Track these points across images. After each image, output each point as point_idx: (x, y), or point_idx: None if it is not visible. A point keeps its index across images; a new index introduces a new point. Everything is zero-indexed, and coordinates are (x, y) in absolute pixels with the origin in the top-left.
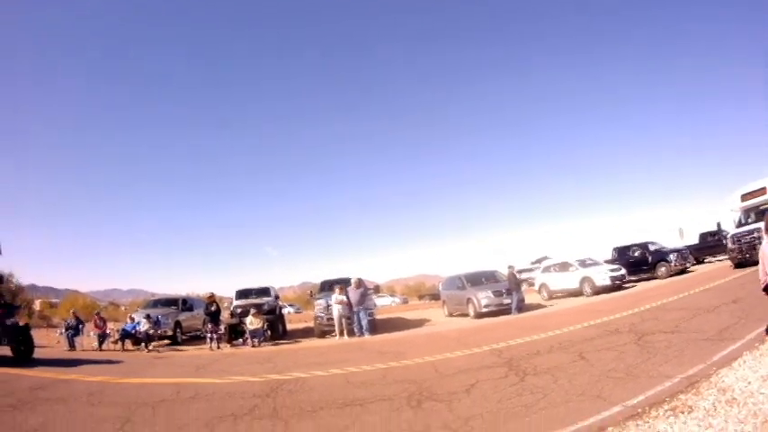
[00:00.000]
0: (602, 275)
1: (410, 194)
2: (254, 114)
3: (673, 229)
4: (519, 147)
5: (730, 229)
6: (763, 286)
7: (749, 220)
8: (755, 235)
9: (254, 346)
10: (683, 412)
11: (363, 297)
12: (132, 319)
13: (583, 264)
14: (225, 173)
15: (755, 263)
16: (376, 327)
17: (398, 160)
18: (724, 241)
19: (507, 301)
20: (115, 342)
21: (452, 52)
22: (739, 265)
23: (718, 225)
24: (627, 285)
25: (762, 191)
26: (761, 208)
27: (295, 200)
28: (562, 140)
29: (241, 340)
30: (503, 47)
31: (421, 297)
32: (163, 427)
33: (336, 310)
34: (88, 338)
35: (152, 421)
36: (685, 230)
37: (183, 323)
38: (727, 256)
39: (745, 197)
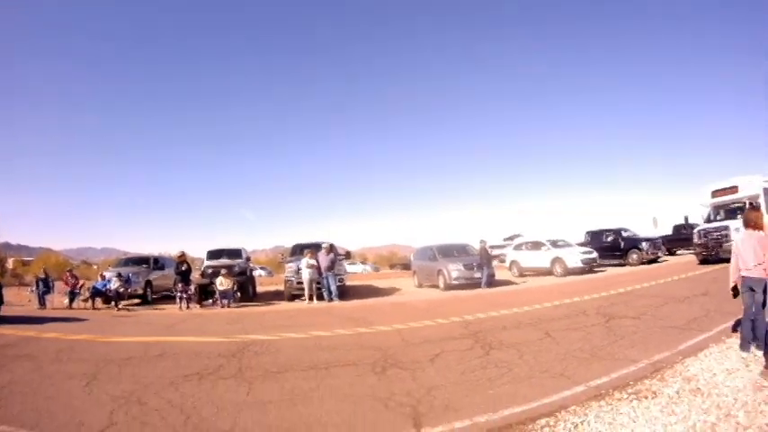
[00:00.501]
0: (574, 257)
1: (387, 164)
2: (239, 80)
3: (648, 217)
4: (498, 123)
5: (700, 222)
6: (732, 285)
7: (718, 217)
8: (723, 232)
9: (223, 306)
10: (646, 397)
11: (333, 262)
12: (103, 277)
13: (555, 244)
14: (204, 136)
15: (720, 260)
16: (345, 293)
17: (381, 131)
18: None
19: (478, 275)
20: (86, 300)
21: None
22: (704, 261)
23: (686, 219)
24: (598, 269)
25: (733, 189)
26: (731, 206)
27: (274, 165)
28: (544, 120)
29: (211, 301)
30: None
31: (392, 266)
32: (128, 385)
33: (306, 274)
34: (59, 296)
35: (118, 378)
36: (660, 220)
37: (153, 282)
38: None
39: (715, 193)
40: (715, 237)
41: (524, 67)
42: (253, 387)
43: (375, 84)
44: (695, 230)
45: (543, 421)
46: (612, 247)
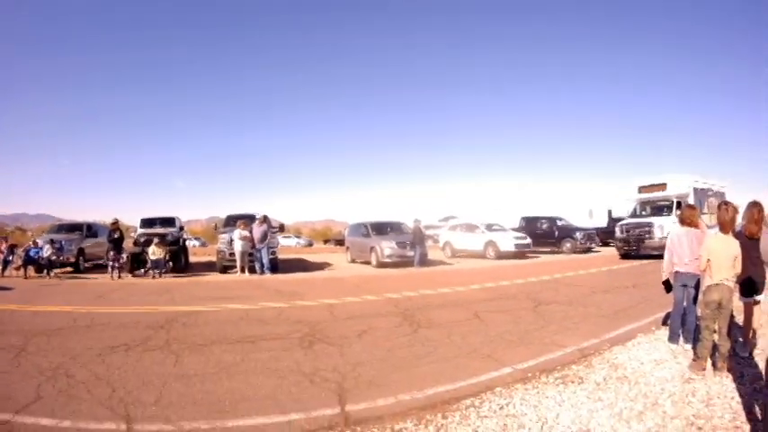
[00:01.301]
0: (508, 241)
1: (326, 140)
2: (177, 46)
3: (586, 206)
4: (440, 101)
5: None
6: (664, 279)
7: (643, 213)
8: (647, 229)
9: (154, 276)
10: (573, 382)
11: (267, 235)
12: (36, 244)
13: (489, 228)
14: (143, 103)
15: (642, 257)
16: (277, 266)
17: (322, 107)
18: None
19: (410, 253)
20: (18, 268)
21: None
22: (625, 255)
23: (609, 213)
24: (531, 255)
25: (662, 186)
26: (658, 203)
27: (213, 135)
28: (490, 99)
29: (143, 270)
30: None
31: (326, 241)
32: (57, 357)
33: (239, 246)
34: None
35: (46, 350)
36: (596, 212)
37: (86, 250)
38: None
39: (643, 189)
40: (637, 232)
41: (467, 48)
42: (179, 359)
43: (318, 59)
44: (618, 224)
45: (468, 401)
46: (547, 235)
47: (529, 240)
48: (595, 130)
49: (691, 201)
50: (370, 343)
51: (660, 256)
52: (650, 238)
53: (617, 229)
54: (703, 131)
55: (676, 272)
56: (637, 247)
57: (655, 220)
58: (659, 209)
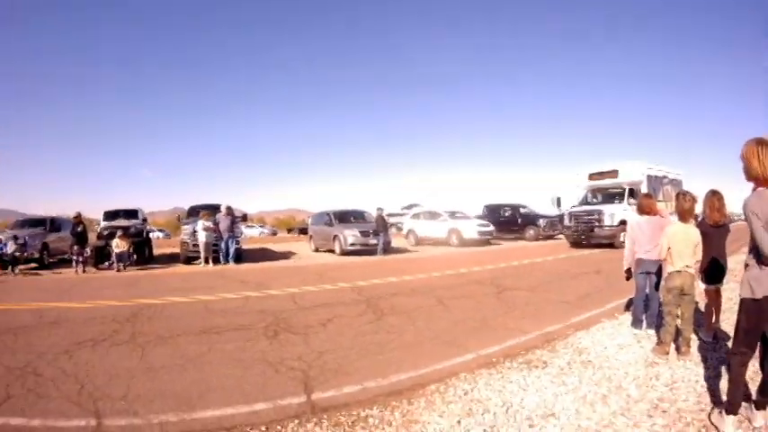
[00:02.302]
0: (471, 229)
1: (292, 129)
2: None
3: (552, 194)
4: (404, 99)
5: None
6: (626, 268)
7: (594, 200)
8: (596, 216)
9: (118, 270)
10: (537, 367)
11: (232, 225)
12: None
13: (452, 215)
14: (107, 94)
15: (592, 246)
16: (242, 256)
17: (294, 97)
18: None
19: (374, 241)
20: None
21: None
22: (575, 244)
23: (558, 201)
24: (494, 242)
25: (613, 173)
26: (610, 190)
27: (178, 125)
28: (450, 94)
29: (107, 263)
30: None
31: (290, 230)
32: (24, 355)
33: (202, 237)
34: None
35: (13, 348)
36: (562, 200)
37: (50, 245)
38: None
39: (593, 176)
40: (586, 220)
41: (430, 47)
42: (145, 352)
43: (286, 51)
44: (566, 212)
45: (433, 387)
46: (510, 222)
47: (492, 228)
48: (562, 121)
49: (644, 188)
50: (334, 331)
51: (610, 245)
52: (600, 226)
53: (565, 217)
54: (662, 121)
55: (638, 259)
56: (586, 236)
57: (605, 207)
58: (611, 196)
